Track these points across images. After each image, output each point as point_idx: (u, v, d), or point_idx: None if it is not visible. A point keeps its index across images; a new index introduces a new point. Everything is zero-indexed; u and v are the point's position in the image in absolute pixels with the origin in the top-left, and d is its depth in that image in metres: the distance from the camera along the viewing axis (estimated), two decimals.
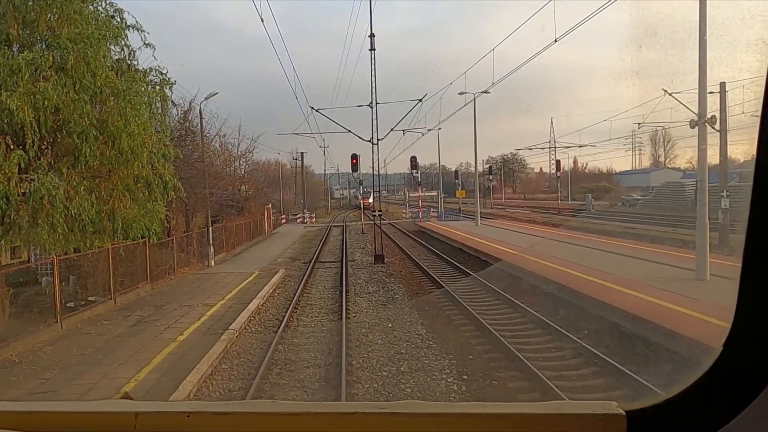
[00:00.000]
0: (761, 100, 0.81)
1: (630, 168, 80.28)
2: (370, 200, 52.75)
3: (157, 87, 14.37)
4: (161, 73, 14.52)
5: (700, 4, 12.07)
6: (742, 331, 0.92)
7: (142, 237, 14.79)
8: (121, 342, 11.51)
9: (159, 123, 14.73)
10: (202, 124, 25.52)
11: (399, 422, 1.02)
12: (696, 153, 14.25)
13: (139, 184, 13.18)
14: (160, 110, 14.55)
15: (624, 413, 0.98)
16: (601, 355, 9.27)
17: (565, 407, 1.02)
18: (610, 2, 15.01)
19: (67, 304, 13.60)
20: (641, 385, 7.50)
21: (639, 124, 39.14)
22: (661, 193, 47.95)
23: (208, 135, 28.48)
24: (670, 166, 70.58)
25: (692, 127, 13.72)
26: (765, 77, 0.80)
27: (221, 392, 9.11)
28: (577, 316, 11.57)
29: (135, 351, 10.70)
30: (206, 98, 25.23)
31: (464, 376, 9.42)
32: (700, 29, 12.16)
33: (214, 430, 1.07)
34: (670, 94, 17.90)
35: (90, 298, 14.76)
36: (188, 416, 1.07)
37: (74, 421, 1.09)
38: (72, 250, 13.24)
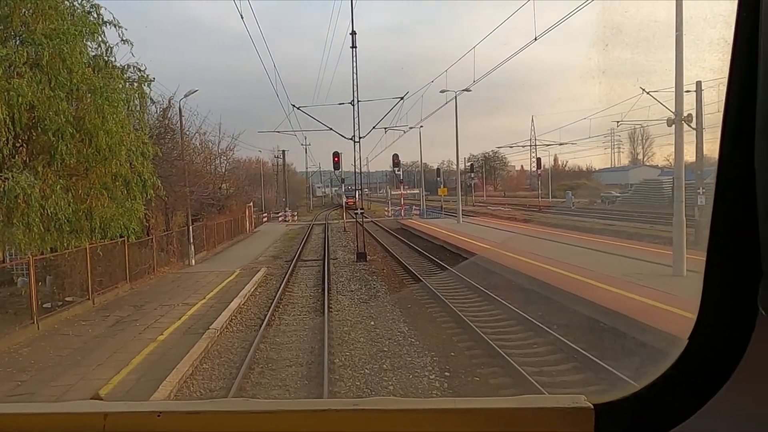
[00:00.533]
0: (724, 98, 0.83)
1: (609, 166, 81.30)
2: (356, 200, 52.59)
3: (135, 84, 14.21)
4: (139, 70, 14.36)
5: (676, 3, 12.27)
6: (706, 324, 0.95)
7: (121, 236, 14.60)
8: (99, 343, 11.34)
9: (137, 120, 14.55)
10: (181, 122, 25.27)
11: (371, 419, 1.02)
12: (673, 151, 14.50)
13: (117, 183, 13.01)
14: (138, 107, 14.40)
15: (592, 406, 1.00)
16: (580, 350, 9.39)
17: (534, 402, 1.03)
18: (588, 2, 15.18)
19: (44, 305, 13.36)
20: (618, 378, 7.61)
21: (617, 122, 39.62)
22: (640, 191, 48.65)
23: (187, 133, 28.22)
24: (648, 164, 71.69)
25: (669, 125, 13.96)
26: (727, 77, 0.81)
27: (202, 392, 9.04)
28: (557, 312, 11.70)
29: (114, 352, 10.55)
30: (186, 95, 24.97)
31: (446, 373, 9.47)
32: (676, 28, 12.36)
33: (185, 429, 1.05)
34: (647, 93, 18.16)
35: (67, 299, 14.51)
36: (159, 416, 1.06)
37: (41, 423, 1.08)
38: (48, 249, 13.02)
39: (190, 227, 24.02)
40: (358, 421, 1.02)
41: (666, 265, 13.33)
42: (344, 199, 53.51)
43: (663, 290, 11.09)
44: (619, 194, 53.44)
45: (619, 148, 79.89)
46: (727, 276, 0.87)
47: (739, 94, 0.81)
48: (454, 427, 1.01)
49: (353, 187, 47.75)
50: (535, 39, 19.10)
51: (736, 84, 0.82)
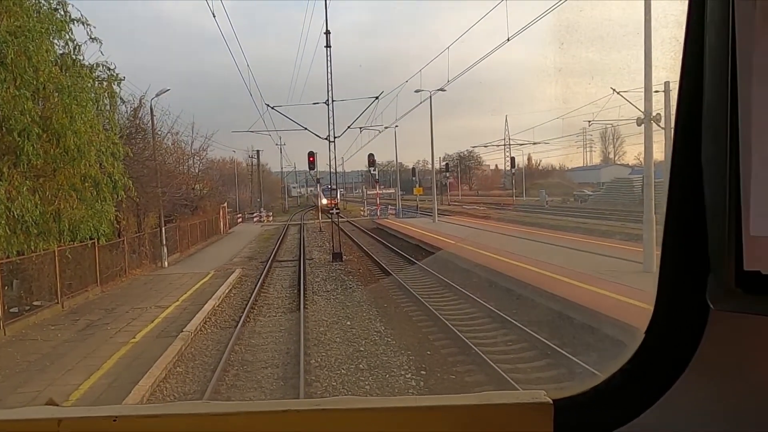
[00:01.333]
0: (676, 97, 0.85)
1: (582, 164, 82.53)
2: (336, 201, 48.56)
3: (105, 83, 13.96)
4: (109, 69, 14.11)
5: (645, 3, 12.51)
6: (661, 318, 0.97)
7: (91, 238, 14.29)
8: (69, 347, 11.09)
9: (107, 120, 14.29)
10: (153, 121, 24.84)
11: (332, 419, 1.02)
12: (643, 150, 14.80)
13: (86, 184, 12.75)
14: (108, 107, 14.14)
15: (551, 401, 1.01)
16: (553, 346, 9.54)
17: (495, 398, 1.04)
18: (560, 2, 15.39)
19: (11, 310, 13.01)
20: (587, 372, 7.75)
21: (589, 121, 40.29)
22: (611, 189, 49.50)
23: (159, 133, 27.76)
24: (619, 163, 72.89)
25: (639, 124, 14.24)
26: (678, 74, 0.84)
27: (176, 395, 8.91)
28: (533, 308, 11.86)
29: (84, 356, 10.33)
30: (157, 95, 24.52)
31: (422, 372, 9.51)
32: (645, 28, 12.61)
33: None
34: (618, 93, 18.48)
35: (35, 303, 14.14)
36: (114, 420, 1.04)
37: None
38: (15, 252, 12.68)
39: (163, 228, 23.65)
40: (321, 422, 1.02)
41: (637, 261, 13.60)
42: (321, 200, 49.27)
43: (633, 286, 11.31)
44: (591, 193, 54.31)
45: (591, 147, 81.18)
46: (680, 271, 0.90)
47: (688, 93, 0.84)
48: (417, 425, 1.01)
49: (332, 186, 45.27)
50: (508, 39, 19.30)
51: (686, 83, 0.84)
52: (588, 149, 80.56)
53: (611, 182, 52.68)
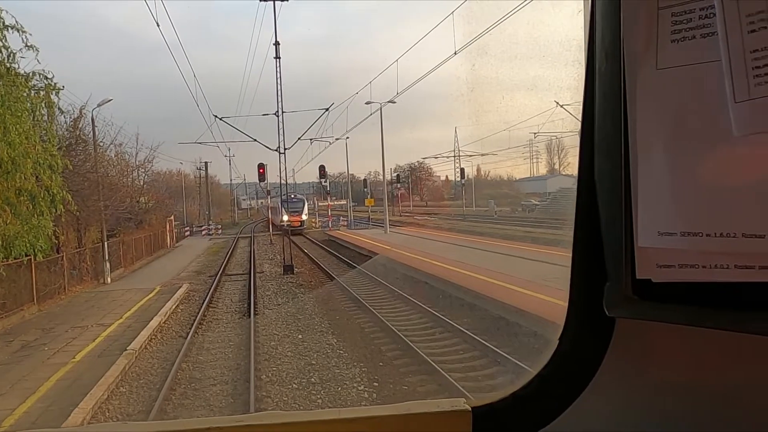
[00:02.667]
0: (580, 114, 0.91)
1: (529, 175, 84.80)
2: (303, 217, 40.52)
3: (42, 92, 13.37)
4: (46, 78, 13.53)
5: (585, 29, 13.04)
6: (572, 326, 1.02)
7: (27, 255, 13.60)
8: (2, 371, 10.48)
9: (44, 131, 13.68)
10: (94, 132, 23.99)
11: None
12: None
13: (21, 198, 12.16)
14: (45, 117, 13.55)
15: (470, 409, 1.04)
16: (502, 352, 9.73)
17: (415, 407, 1.06)
18: (506, 17, 15.86)
19: None
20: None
21: (534, 133, 41.59)
22: (557, 199, 51.01)
23: (101, 144, 26.82)
24: (564, 173, 75.30)
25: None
26: (582, 94, 0.90)
27: (119, 417, 8.56)
28: (482, 319, 12.06)
29: (19, 379, 9.79)
30: (99, 105, 23.74)
31: (375, 383, 9.50)
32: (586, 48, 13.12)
33: None
34: (561, 106, 19.18)
35: None
36: None
37: None
38: None
39: (106, 243, 22.82)
40: None
41: None
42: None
43: None
44: (538, 202, 55.86)
45: (538, 158, 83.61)
46: (585, 280, 0.95)
47: (587, 112, 0.90)
48: None
49: (294, 196, 38.94)
50: (455, 53, 19.72)
51: (586, 103, 0.90)
52: (534, 160, 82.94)
53: (557, 192, 54.33)
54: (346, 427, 1.03)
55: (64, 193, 13.46)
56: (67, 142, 22.28)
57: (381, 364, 10.52)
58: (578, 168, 0.91)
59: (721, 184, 0.74)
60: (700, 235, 0.76)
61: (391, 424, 1.03)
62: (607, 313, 0.88)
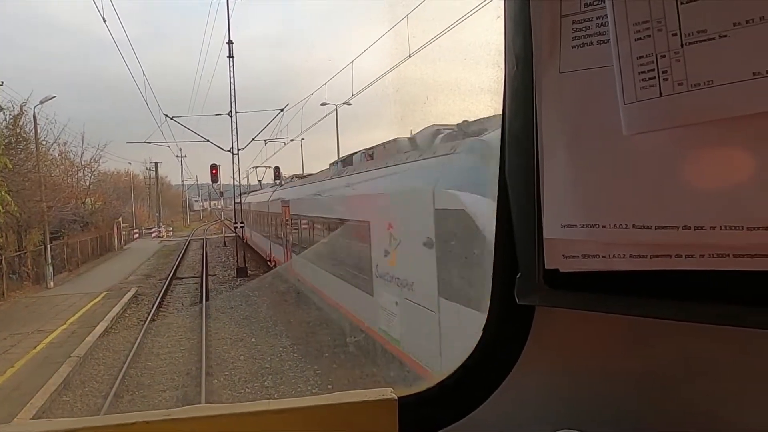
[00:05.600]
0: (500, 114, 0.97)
1: None
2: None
3: None
4: None
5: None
6: (494, 317, 1.08)
7: None
8: None
9: None
10: (36, 130, 23.02)
11: (181, 428, 1.01)
12: None
13: None
14: None
15: (396, 398, 1.08)
16: None
17: (344, 397, 1.08)
18: (462, 20, 16.05)
19: None
20: None
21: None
22: None
23: (44, 143, 25.74)
24: None
25: None
26: (502, 95, 0.96)
27: None
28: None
29: None
30: (41, 102, 22.81)
31: (329, 386, 9.47)
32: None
33: None
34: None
35: None
36: None
37: None
38: None
39: (48, 246, 21.92)
40: None
41: None
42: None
43: None
44: None
45: None
46: (504, 272, 1.00)
47: (503, 113, 0.96)
48: (268, 428, 1.03)
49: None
50: (409, 56, 19.86)
51: (504, 104, 0.96)
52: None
53: None
54: (275, 418, 1.04)
55: (3, 193, 12.86)
56: (6, 141, 21.33)
57: (334, 366, 10.50)
58: (499, 166, 0.96)
59: (614, 178, 0.80)
60: (597, 226, 0.81)
61: (319, 414, 1.05)
62: (517, 301, 0.93)
